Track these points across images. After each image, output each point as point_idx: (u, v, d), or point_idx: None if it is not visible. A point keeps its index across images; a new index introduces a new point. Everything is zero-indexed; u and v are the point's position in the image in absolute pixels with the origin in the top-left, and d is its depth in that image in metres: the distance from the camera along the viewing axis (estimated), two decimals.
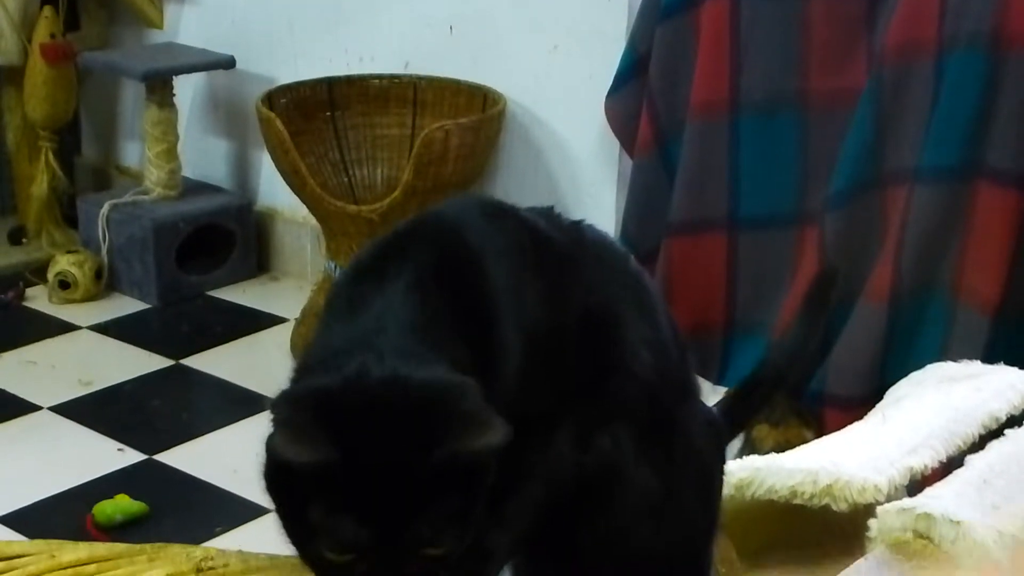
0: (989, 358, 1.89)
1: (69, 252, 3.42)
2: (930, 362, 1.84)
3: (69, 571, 0.85)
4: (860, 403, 2.20)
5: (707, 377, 2.49)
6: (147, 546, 0.95)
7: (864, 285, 2.36)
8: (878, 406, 1.73)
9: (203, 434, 2.74)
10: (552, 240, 1.06)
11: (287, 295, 3.35)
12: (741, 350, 2.56)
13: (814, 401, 2.42)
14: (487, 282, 0.99)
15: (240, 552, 0.97)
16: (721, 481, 1.15)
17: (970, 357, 1.84)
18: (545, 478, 0.99)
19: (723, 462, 1.17)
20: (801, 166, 2.46)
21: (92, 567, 0.88)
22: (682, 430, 1.09)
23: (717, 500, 1.14)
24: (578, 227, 1.11)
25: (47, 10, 3.50)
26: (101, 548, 0.90)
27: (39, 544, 0.86)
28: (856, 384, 2.35)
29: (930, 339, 2.29)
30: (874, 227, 2.36)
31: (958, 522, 1.29)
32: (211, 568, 0.93)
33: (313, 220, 3.11)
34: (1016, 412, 1.61)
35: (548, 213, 1.11)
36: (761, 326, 2.52)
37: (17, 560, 0.83)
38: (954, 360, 1.81)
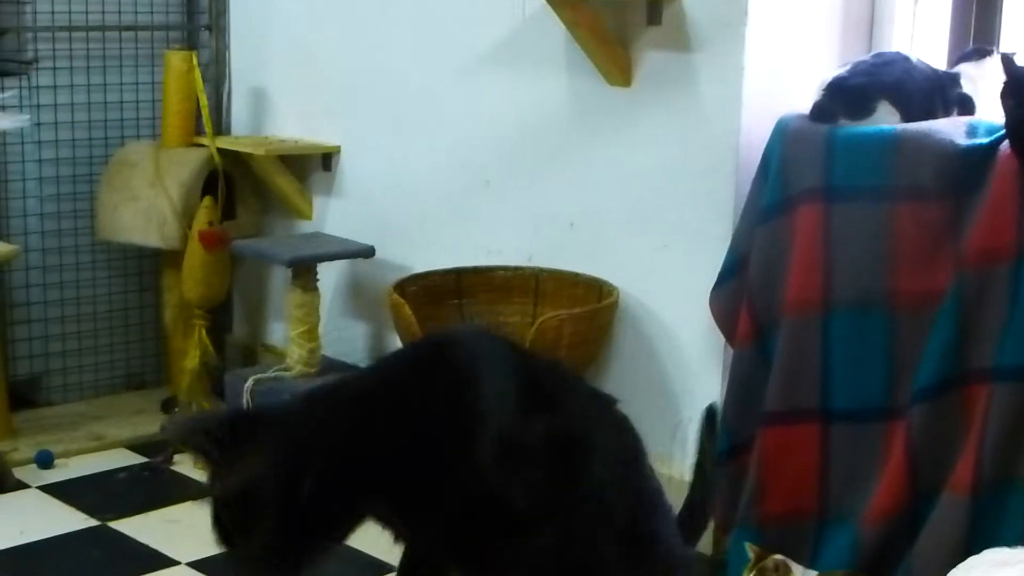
0: None
1: None
2: None
3: None
4: None
5: (799, 560, 2.60)
6: None
7: (949, 477, 2.48)
8: None
9: None
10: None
11: None
12: (832, 537, 2.66)
13: None
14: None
15: None
16: None
17: None
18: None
19: None
20: (889, 362, 2.60)
21: None
22: (661, 539, 1.23)
23: None
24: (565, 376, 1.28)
25: (207, 200, 3.81)
26: None
27: None
28: (941, 573, 2.43)
29: (1012, 530, 2.37)
30: (957, 422, 2.48)
31: None
32: None
33: None
34: None
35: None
36: (851, 514, 2.62)
37: None
38: None
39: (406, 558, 1.33)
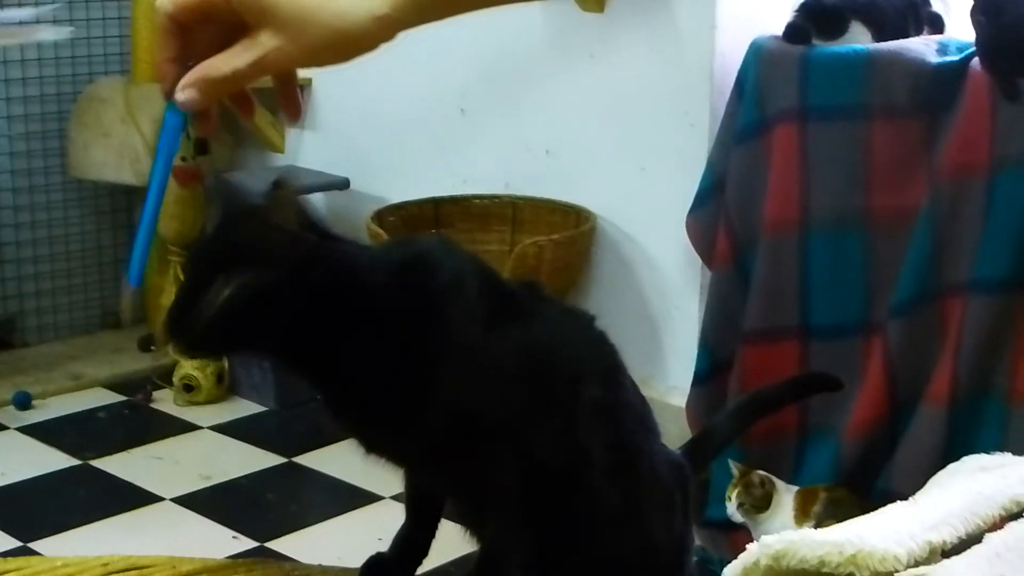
0: None
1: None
2: None
3: None
4: None
5: (781, 476, 2.65)
6: (248, 560, 1.16)
7: (926, 389, 2.52)
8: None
9: (312, 524, 2.94)
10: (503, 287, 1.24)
11: None
12: (813, 451, 2.71)
13: (881, 499, 2.56)
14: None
15: (321, 566, 1.18)
16: (684, 510, 1.31)
17: None
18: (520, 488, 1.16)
19: (686, 493, 1.33)
20: (866, 279, 2.63)
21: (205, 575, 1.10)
22: (649, 461, 1.26)
23: (679, 523, 1.30)
24: (541, 293, 1.28)
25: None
26: (213, 562, 1.10)
27: (162, 558, 1.07)
28: (920, 483, 2.47)
29: (987, 440, 2.43)
30: (934, 335, 2.52)
31: None
32: None
33: None
34: None
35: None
36: (832, 428, 2.67)
37: (145, 569, 1.05)
38: None
39: (407, 481, 1.34)
